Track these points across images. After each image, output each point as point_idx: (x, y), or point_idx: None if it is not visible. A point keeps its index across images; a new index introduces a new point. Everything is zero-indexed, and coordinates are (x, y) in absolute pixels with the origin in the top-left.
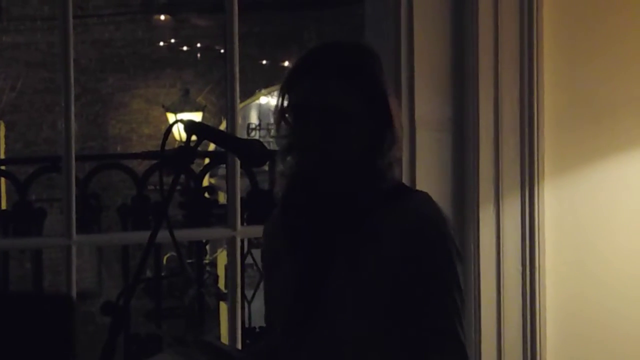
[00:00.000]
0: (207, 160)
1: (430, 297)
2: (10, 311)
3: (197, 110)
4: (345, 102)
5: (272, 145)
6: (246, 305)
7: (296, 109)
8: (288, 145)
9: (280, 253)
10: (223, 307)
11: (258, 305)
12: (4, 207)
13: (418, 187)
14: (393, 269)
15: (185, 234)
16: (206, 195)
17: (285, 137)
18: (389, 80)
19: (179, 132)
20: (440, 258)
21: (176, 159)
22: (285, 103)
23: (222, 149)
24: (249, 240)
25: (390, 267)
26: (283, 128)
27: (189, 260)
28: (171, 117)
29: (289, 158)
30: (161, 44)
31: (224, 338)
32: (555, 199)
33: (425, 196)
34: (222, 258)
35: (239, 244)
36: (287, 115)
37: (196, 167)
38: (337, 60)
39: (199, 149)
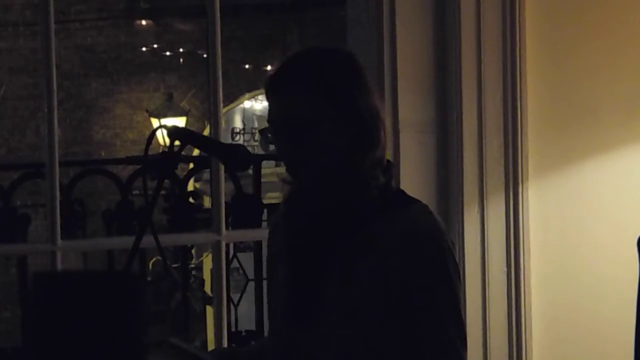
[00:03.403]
0: (191, 165)
1: (426, 308)
2: (78, 290)
3: (180, 114)
4: (307, 110)
5: (256, 150)
6: (232, 309)
7: (270, 126)
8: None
9: (279, 256)
10: (209, 311)
11: (244, 309)
12: None
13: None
14: (386, 279)
15: (170, 239)
16: (191, 200)
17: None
18: (373, 82)
19: (162, 137)
20: (436, 271)
21: (160, 164)
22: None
23: (206, 154)
24: (235, 244)
25: (383, 278)
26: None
27: (175, 265)
28: (155, 122)
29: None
30: (144, 49)
31: (210, 342)
32: (539, 199)
33: (424, 207)
34: (207, 262)
35: (224, 248)
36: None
37: (180, 172)
38: (295, 69)
39: (183, 153)
